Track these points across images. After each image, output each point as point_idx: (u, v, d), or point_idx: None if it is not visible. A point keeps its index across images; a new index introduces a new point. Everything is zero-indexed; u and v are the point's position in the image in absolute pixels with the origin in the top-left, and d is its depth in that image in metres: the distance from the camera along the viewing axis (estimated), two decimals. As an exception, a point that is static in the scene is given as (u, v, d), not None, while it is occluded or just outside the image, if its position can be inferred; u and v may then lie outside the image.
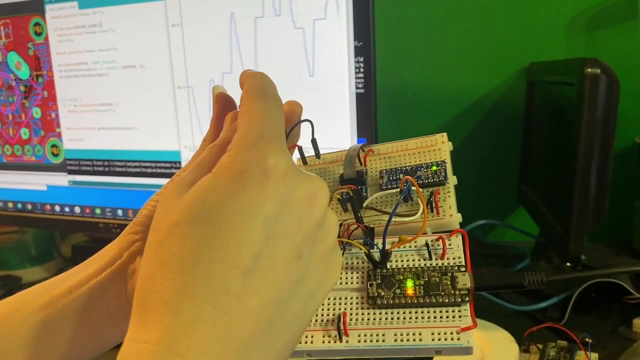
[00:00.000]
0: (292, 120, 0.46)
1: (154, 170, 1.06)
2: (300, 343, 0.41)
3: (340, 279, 0.43)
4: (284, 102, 0.47)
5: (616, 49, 1.13)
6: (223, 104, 0.47)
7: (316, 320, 0.42)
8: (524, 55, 1.18)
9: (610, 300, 0.94)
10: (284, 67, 0.93)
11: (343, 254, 0.44)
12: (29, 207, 1.19)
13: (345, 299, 0.42)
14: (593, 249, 1.00)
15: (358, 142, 0.90)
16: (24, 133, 1.15)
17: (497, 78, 1.22)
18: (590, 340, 0.77)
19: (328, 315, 0.42)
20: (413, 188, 0.45)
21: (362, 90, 0.89)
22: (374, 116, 0.90)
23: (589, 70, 0.79)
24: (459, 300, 0.39)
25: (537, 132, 1.13)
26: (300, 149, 0.49)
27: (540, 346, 0.79)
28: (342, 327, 0.40)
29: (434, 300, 0.40)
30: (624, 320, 0.89)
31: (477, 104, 1.24)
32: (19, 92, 1.14)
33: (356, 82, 0.89)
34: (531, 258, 1.11)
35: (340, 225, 0.45)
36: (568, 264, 1.01)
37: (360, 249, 0.43)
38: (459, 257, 0.42)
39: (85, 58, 1.07)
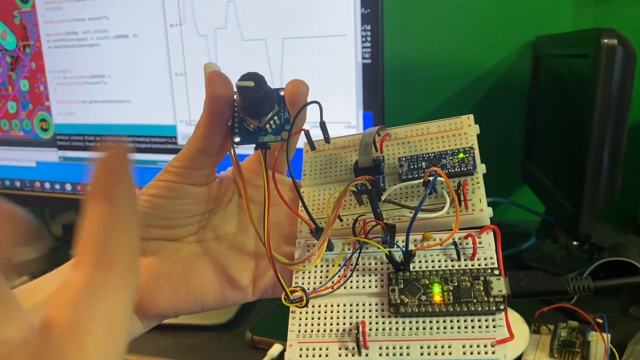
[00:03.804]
0: (297, 102, 0.42)
1: (149, 146, 1.02)
2: (314, 356, 0.37)
3: (357, 282, 0.40)
4: (291, 78, 0.43)
5: (626, 22, 1.10)
6: (217, 84, 0.42)
7: (331, 330, 0.38)
8: (529, 29, 1.16)
9: (620, 280, 0.92)
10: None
11: (359, 253, 0.40)
12: (18, 184, 1.16)
13: (363, 305, 0.38)
14: (598, 228, 0.99)
15: (364, 116, 0.87)
16: (11, 107, 1.11)
17: (501, 52, 1.20)
18: (601, 321, 0.76)
19: (344, 324, 0.38)
20: (439, 179, 0.41)
21: (369, 61, 0.85)
22: (381, 88, 0.87)
23: (606, 41, 0.76)
24: (494, 308, 0.36)
25: (543, 109, 1.11)
26: (308, 134, 0.44)
27: (551, 327, 0.79)
28: (360, 338, 0.36)
29: (465, 309, 0.36)
30: (634, 300, 0.88)
31: (480, 79, 1.22)
32: (5, 64, 1.10)
33: (362, 52, 0.85)
34: (537, 237, 1.11)
35: (356, 220, 0.41)
36: (575, 242, 1.00)
37: (379, 249, 0.39)
38: (491, 258, 0.38)
39: (75, 27, 1.03)
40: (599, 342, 0.74)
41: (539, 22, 1.15)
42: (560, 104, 0.98)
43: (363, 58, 0.86)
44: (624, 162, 0.83)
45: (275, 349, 0.79)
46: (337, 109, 0.88)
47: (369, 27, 0.85)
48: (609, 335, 0.75)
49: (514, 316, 0.82)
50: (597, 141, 0.79)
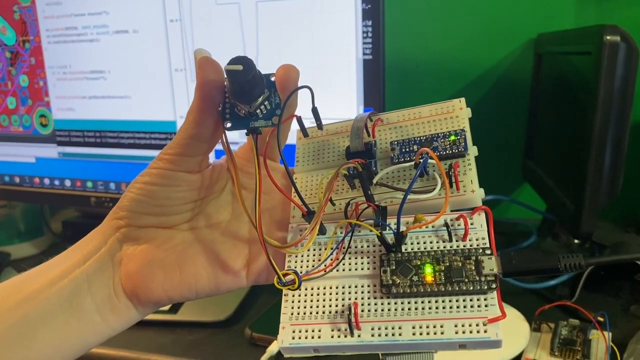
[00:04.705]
0: (287, 88, 0.42)
1: (148, 142, 1.02)
2: (306, 338, 0.37)
3: (349, 264, 0.40)
4: (280, 64, 0.43)
5: (629, 18, 1.09)
6: (207, 69, 0.42)
7: (323, 312, 0.38)
8: (531, 26, 1.15)
9: (620, 278, 0.92)
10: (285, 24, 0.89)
11: (352, 236, 0.40)
12: (17, 180, 1.15)
13: (355, 287, 0.38)
14: (599, 226, 0.98)
15: (364, 112, 0.86)
16: (11, 102, 1.11)
17: (503, 50, 1.19)
18: (602, 319, 0.76)
19: (336, 306, 0.38)
20: (430, 161, 0.40)
21: (370, 57, 0.85)
22: (382, 84, 0.87)
23: (608, 37, 0.75)
24: (485, 287, 0.36)
25: (545, 106, 1.10)
26: (300, 120, 0.44)
27: (552, 325, 0.78)
28: (353, 319, 0.36)
29: (457, 288, 0.36)
30: (635, 298, 0.88)
31: (482, 77, 1.21)
32: (4, 59, 1.10)
33: (363, 48, 0.85)
34: (538, 235, 1.10)
35: (348, 204, 0.41)
36: (576, 240, 1.00)
37: (371, 231, 0.39)
38: (483, 238, 0.38)
39: (75, 22, 1.03)
40: (600, 341, 0.74)
41: (541, 20, 1.14)
42: (562, 102, 0.98)
43: (364, 54, 0.86)
44: (626, 160, 0.82)
45: (275, 345, 0.79)
46: (338, 104, 0.88)
47: (370, 23, 0.84)
48: (610, 334, 0.74)
49: (515, 314, 0.81)
50: (598, 139, 0.78)
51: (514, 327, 0.78)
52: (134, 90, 1.02)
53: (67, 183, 1.11)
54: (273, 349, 0.78)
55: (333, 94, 0.88)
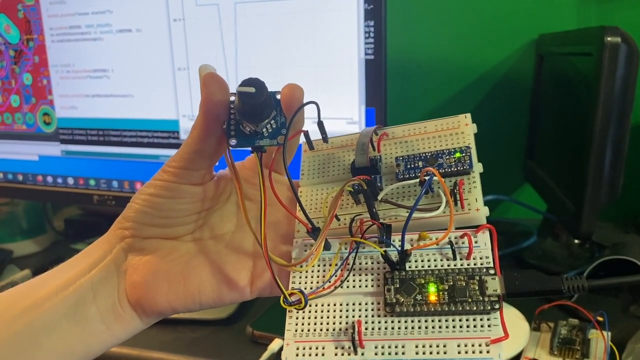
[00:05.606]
0: (292, 106, 0.42)
1: (151, 140, 1.02)
2: (310, 355, 0.37)
3: (354, 282, 0.40)
4: (286, 83, 0.43)
5: (630, 20, 1.10)
6: (213, 87, 0.41)
7: (327, 330, 0.38)
8: (532, 27, 1.16)
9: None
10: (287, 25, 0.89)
11: (356, 253, 0.41)
12: (20, 178, 1.16)
13: (359, 304, 0.39)
14: (600, 227, 0.98)
15: (366, 112, 0.87)
16: (14, 100, 1.11)
17: (504, 50, 1.19)
18: (601, 319, 0.76)
19: (340, 323, 0.38)
20: (435, 179, 0.40)
21: (372, 57, 0.85)
22: (384, 84, 0.87)
23: (609, 39, 0.76)
24: (489, 307, 0.36)
25: (546, 107, 1.10)
26: (306, 134, 0.44)
27: (551, 324, 0.79)
28: (356, 337, 0.36)
29: (460, 308, 0.36)
30: (634, 298, 0.88)
31: (483, 77, 1.21)
32: (8, 57, 1.10)
33: (365, 48, 0.85)
34: (538, 235, 1.10)
35: (352, 220, 0.42)
36: (577, 241, 1.00)
37: (375, 249, 0.39)
38: (487, 257, 0.38)
39: (78, 21, 1.03)
40: (599, 340, 0.74)
41: (542, 20, 1.14)
42: (563, 102, 0.98)
43: (366, 54, 0.86)
44: (626, 160, 0.82)
45: (276, 343, 0.79)
46: (340, 104, 0.88)
47: (372, 23, 0.84)
48: (609, 333, 0.75)
49: (515, 313, 0.82)
50: (599, 139, 0.79)
51: (514, 327, 0.78)
52: (137, 89, 1.02)
53: (70, 181, 1.11)
54: (274, 347, 0.79)
55: (335, 93, 0.88)
